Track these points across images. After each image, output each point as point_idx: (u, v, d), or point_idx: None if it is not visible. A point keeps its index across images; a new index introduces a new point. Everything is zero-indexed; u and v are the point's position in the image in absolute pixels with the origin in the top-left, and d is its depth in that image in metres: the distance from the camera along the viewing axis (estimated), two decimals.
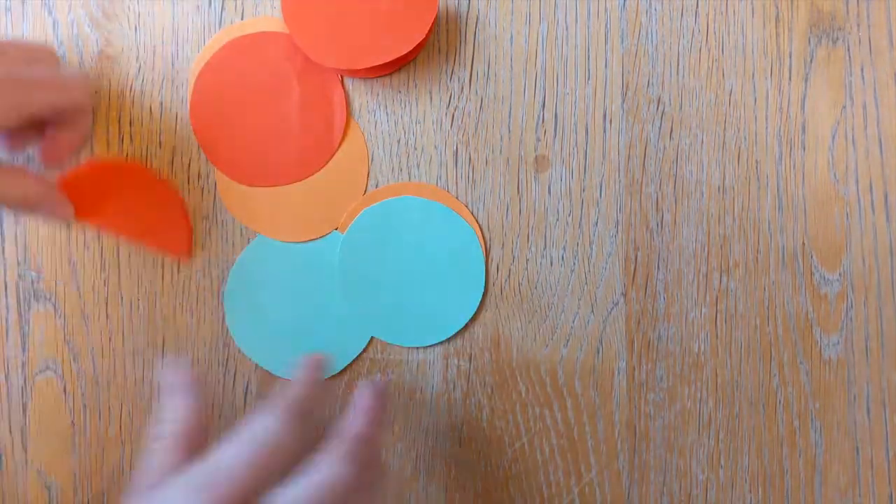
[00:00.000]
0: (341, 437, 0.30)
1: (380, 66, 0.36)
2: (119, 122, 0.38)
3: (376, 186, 0.38)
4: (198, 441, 0.30)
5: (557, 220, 0.38)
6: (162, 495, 0.27)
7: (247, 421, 0.29)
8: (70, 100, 0.33)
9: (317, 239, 0.37)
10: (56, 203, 0.34)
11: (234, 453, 0.27)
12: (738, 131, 0.38)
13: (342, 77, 0.38)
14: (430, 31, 0.36)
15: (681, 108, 0.38)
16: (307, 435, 0.29)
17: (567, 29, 0.38)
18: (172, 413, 0.31)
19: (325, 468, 0.27)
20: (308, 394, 0.31)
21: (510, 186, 0.38)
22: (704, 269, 0.37)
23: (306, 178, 0.37)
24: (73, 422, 0.37)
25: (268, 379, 0.38)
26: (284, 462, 0.28)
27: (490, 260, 0.38)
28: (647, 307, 0.37)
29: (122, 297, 0.38)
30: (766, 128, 0.38)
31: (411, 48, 0.36)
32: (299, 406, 0.30)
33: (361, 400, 0.32)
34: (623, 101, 0.38)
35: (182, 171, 0.38)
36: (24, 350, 0.38)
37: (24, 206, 0.33)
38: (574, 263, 0.38)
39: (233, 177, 0.37)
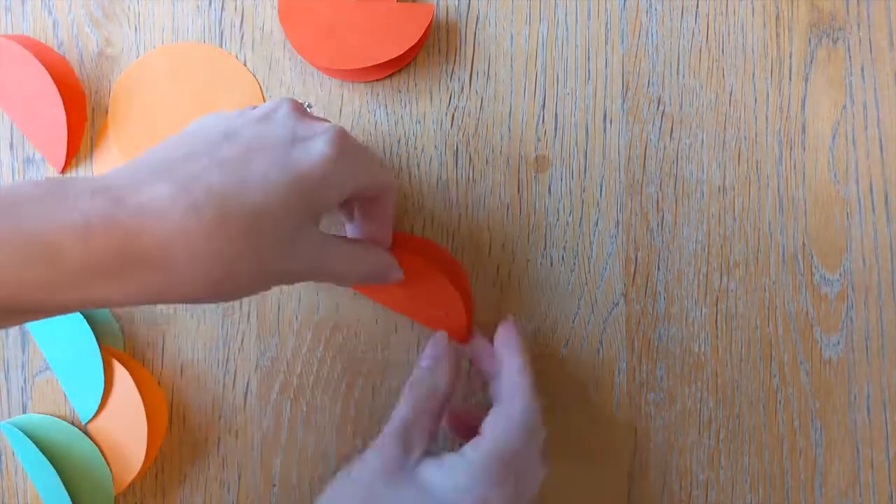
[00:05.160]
0: None
1: (374, 68, 0.36)
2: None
3: None
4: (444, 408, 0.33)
5: (557, 220, 0.38)
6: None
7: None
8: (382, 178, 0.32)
9: None
10: (393, 267, 0.33)
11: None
12: (738, 131, 0.38)
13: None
14: (424, 35, 0.36)
15: (681, 108, 0.38)
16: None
17: (567, 29, 0.38)
18: (433, 377, 0.33)
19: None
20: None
21: (510, 186, 0.38)
22: (705, 269, 0.37)
23: None
24: (72, 422, 0.37)
25: (268, 378, 0.38)
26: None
27: (490, 260, 0.38)
28: (648, 307, 0.37)
29: None
30: (766, 128, 0.37)
31: (404, 51, 0.36)
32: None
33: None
34: (623, 101, 0.38)
35: None
36: (23, 350, 0.38)
37: (372, 277, 0.33)
38: (574, 264, 0.38)
39: None
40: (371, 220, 0.33)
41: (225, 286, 0.26)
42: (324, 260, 0.29)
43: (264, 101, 0.38)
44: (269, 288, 0.28)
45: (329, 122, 0.30)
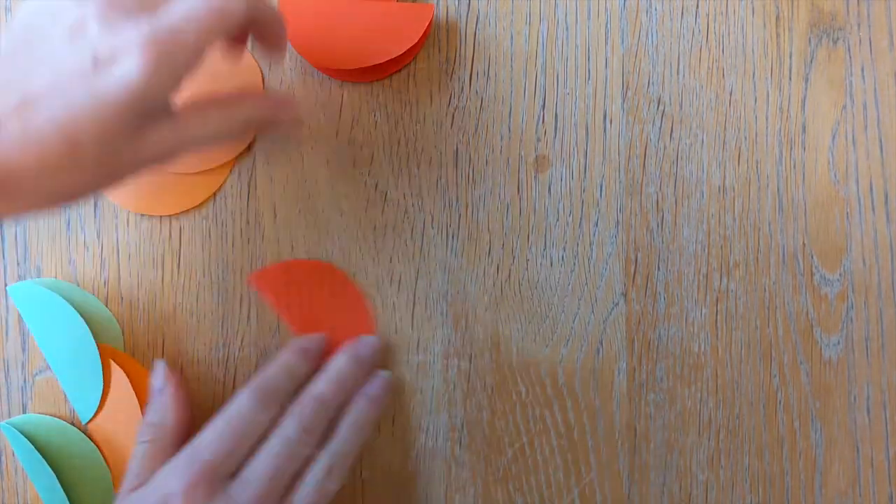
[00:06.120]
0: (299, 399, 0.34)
1: (374, 68, 0.36)
2: None
3: (375, 187, 0.38)
4: (180, 440, 0.34)
5: (557, 220, 0.38)
6: (151, 483, 0.31)
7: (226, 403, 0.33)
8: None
9: None
10: (285, 112, 0.33)
11: (210, 434, 0.32)
12: (738, 131, 0.38)
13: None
14: (424, 35, 0.36)
15: (681, 108, 0.38)
16: (275, 411, 0.33)
17: (567, 29, 0.38)
18: (155, 415, 0.35)
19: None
20: (279, 374, 0.35)
21: (510, 186, 0.38)
22: (704, 269, 0.37)
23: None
24: (72, 422, 0.37)
25: None
26: (254, 436, 0.33)
27: (490, 260, 0.38)
28: (648, 307, 0.37)
29: (121, 297, 0.38)
30: (766, 128, 0.38)
31: (404, 51, 0.36)
32: (268, 385, 0.34)
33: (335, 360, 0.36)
34: (623, 101, 0.38)
35: None
36: (24, 350, 0.38)
37: (260, 125, 0.32)
38: (574, 264, 0.38)
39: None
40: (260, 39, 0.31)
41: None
42: (187, 129, 0.28)
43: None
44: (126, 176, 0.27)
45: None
